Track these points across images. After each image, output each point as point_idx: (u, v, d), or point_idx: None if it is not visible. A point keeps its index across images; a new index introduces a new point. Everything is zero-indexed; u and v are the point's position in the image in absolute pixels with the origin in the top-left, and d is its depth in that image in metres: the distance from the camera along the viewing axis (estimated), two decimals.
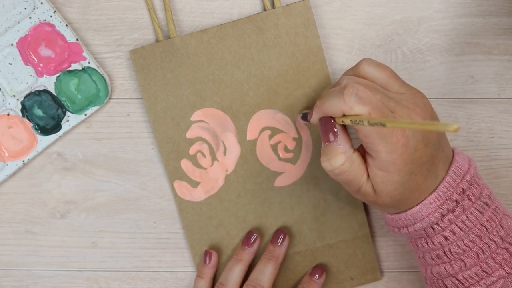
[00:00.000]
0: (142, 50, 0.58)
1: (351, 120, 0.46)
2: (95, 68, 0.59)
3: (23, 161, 0.60)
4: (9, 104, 0.59)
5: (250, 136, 0.59)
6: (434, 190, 0.49)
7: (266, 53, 0.59)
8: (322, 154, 0.49)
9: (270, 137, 0.59)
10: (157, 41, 0.59)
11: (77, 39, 0.58)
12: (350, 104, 0.46)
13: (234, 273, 0.58)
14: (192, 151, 0.59)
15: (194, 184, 0.59)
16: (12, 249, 0.62)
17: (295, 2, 0.58)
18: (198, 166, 0.59)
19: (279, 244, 0.58)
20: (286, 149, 0.59)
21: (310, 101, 0.59)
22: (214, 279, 0.60)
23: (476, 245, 0.49)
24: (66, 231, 0.61)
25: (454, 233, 0.49)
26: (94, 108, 0.59)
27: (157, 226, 0.61)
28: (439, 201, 0.49)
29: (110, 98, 0.60)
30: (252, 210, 0.60)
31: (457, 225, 0.49)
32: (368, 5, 0.59)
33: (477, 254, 0.49)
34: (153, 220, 0.61)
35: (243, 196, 0.60)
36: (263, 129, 0.59)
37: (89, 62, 0.59)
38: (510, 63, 0.59)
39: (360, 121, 0.45)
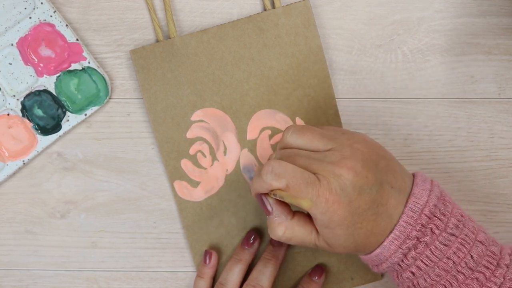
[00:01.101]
0: (142, 50, 0.58)
1: (273, 194, 0.48)
2: (95, 68, 0.59)
3: (23, 161, 0.60)
4: (9, 104, 0.59)
5: (250, 136, 0.59)
6: (392, 231, 0.48)
7: (266, 53, 0.59)
8: (268, 227, 0.51)
9: (270, 137, 0.59)
10: (157, 41, 0.59)
11: (77, 39, 0.59)
12: (269, 182, 0.48)
13: (234, 273, 0.58)
14: (192, 151, 0.59)
15: (194, 184, 0.59)
16: (12, 249, 0.62)
17: (295, 2, 0.58)
18: (198, 166, 0.59)
19: (279, 244, 0.58)
20: None
21: (310, 101, 0.59)
22: (214, 279, 0.60)
23: (443, 278, 0.48)
24: (66, 231, 0.61)
25: (420, 269, 0.48)
26: (94, 108, 0.60)
27: (157, 226, 0.61)
28: (397, 241, 0.48)
29: (110, 98, 0.60)
30: (252, 210, 0.60)
31: (422, 261, 0.48)
32: (368, 5, 0.59)
33: (445, 287, 0.48)
34: (153, 220, 0.61)
35: (243, 196, 0.60)
36: (263, 129, 0.59)
37: (89, 62, 0.59)
38: (510, 63, 0.59)
39: (274, 194, 0.48)
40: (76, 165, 0.61)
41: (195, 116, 0.59)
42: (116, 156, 0.61)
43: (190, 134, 0.59)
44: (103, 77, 0.59)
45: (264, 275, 0.57)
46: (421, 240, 0.48)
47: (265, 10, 0.59)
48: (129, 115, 0.61)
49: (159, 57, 0.58)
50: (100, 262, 0.62)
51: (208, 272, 0.59)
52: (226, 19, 0.59)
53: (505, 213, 0.60)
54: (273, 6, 0.59)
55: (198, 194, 0.60)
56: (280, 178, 0.47)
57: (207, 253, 0.59)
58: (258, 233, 0.59)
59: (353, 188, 0.47)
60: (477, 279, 0.48)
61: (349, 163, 0.47)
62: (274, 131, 0.59)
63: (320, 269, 0.59)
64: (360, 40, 0.59)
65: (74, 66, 0.59)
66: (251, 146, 0.59)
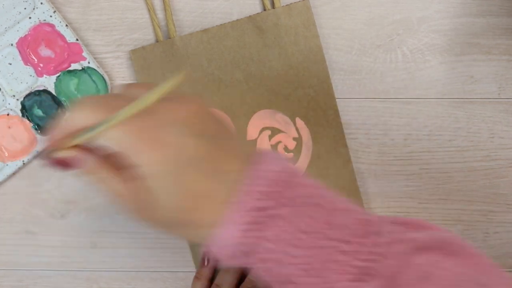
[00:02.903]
0: (142, 50, 0.58)
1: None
2: (95, 68, 0.59)
3: (23, 161, 0.60)
4: (9, 104, 0.59)
5: (250, 136, 0.59)
6: (232, 201, 0.38)
7: (266, 53, 0.59)
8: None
9: (270, 137, 0.59)
10: (157, 41, 0.59)
11: (77, 39, 0.59)
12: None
13: (230, 274, 0.58)
14: None
15: None
16: (12, 249, 0.62)
17: (295, 2, 0.58)
18: None
19: None
20: (286, 149, 0.59)
21: (310, 101, 0.59)
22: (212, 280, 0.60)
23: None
24: (66, 231, 0.61)
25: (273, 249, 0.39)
26: None
27: None
28: (239, 213, 0.37)
29: None
30: None
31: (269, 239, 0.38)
32: (368, 5, 0.59)
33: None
34: None
35: None
36: (263, 129, 0.59)
37: (89, 62, 0.59)
38: (510, 63, 0.59)
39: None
40: None
41: None
42: None
43: None
44: (103, 77, 0.59)
45: None
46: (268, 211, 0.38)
47: (265, 10, 0.59)
48: None
49: (159, 57, 0.58)
50: (100, 262, 0.62)
51: (206, 273, 0.59)
52: (226, 19, 0.59)
53: (505, 213, 0.60)
54: (273, 6, 0.59)
55: None
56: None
57: (206, 254, 0.59)
58: None
59: (192, 131, 0.39)
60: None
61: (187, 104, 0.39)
62: (274, 131, 0.59)
63: None
64: (360, 40, 0.59)
65: (74, 66, 0.59)
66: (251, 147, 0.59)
